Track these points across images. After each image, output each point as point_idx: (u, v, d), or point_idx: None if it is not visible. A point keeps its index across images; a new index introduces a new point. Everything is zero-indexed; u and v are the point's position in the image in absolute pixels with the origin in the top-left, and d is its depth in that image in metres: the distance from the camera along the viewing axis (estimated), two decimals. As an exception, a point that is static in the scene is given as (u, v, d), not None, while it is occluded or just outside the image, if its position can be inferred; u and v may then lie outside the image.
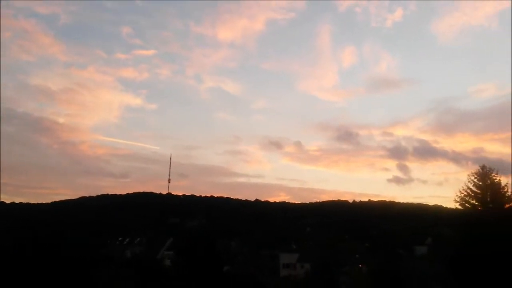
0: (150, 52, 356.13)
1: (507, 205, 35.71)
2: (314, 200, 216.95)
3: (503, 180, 36.43)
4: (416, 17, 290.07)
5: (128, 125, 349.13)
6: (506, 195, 36.02)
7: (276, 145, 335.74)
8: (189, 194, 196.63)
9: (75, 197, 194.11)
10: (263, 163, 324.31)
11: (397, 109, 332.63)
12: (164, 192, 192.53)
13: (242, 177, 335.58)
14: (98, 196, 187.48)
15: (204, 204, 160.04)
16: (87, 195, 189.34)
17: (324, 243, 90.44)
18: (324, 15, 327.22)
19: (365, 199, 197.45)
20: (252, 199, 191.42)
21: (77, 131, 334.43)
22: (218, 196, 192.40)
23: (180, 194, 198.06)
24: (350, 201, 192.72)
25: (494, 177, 36.40)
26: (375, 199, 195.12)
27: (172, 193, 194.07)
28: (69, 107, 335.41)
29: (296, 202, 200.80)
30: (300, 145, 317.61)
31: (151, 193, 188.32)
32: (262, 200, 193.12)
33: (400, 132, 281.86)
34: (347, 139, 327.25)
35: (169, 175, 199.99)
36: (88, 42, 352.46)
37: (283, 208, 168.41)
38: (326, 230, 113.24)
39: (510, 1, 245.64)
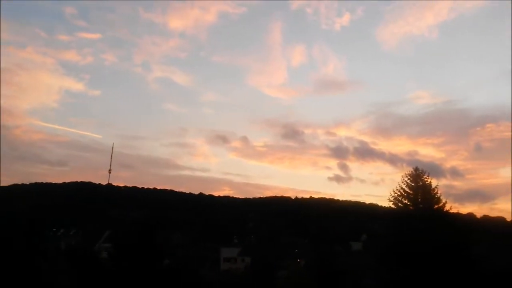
0: (95, 35, 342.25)
1: (436, 206, 38.28)
2: (258, 195, 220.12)
3: (434, 182, 39.07)
4: (363, 23, 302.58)
5: (68, 111, 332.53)
6: (436, 196, 38.63)
7: (223, 139, 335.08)
8: (131, 186, 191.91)
9: (6, 184, 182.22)
10: (209, 156, 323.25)
11: (341, 110, 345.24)
12: (104, 182, 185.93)
13: (187, 170, 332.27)
14: (31, 184, 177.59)
15: (146, 196, 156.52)
16: (20, 183, 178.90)
17: (266, 238, 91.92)
18: (276, 12, 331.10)
19: (307, 196, 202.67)
20: (196, 192, 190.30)
21: (12, 114, 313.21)
22: (162, 188, 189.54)
23: (122, 185, 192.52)
24: (293, 197, 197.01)
25: (425, 179, 38.87)
26: (316, 196, 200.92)
27: (113, 184, 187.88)
28: (4, 88, 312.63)
29: (240, 197, 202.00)
30: (247, 140, 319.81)
31: (89, 183, 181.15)
32: (206, 194, 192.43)
33: (343, 132, 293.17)
34: (292, 136, 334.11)
35: (110, 165, 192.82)
36: (28, 20, 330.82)
37: (227, 203, 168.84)
38: (269, 225, 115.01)
39: (448, 15, 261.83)
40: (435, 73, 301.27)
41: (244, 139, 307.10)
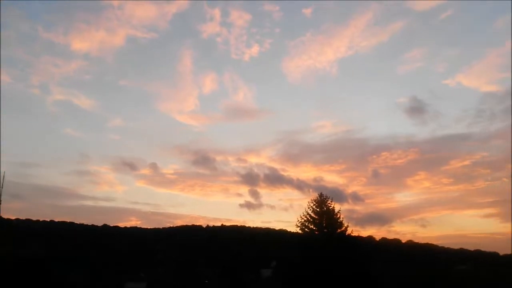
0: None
1: (339, 230, 40.26)
2: (167, 225, 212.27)
3: (337, 207, 41.27)
4: (270, 55, 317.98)
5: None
6: (339, 221, 40.70)
7: (130, 166, 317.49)
8: (24, 218, 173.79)
9: None
10: (114, 185, 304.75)
11: (252, 137, 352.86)
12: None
13: (89, 200, 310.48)
14: None
15: (42, 230, 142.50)
16: None
17: (175, 270, 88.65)
18: (186, 40, 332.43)
19: (218, 224, 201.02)
20: (100, 224, 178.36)
21: None
22: (60, 220, 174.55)
23: (13, 218, 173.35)
24: (204, 226, 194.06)
25: (329, 204, 40.91)
26: (227, 224, 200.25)
27: (3, 217, 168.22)
28: None
29: (149, 227, 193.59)
30: (156, 167, 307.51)
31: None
32: (111, 225, 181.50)
33: (253, 159, 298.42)
34: (203, 163, 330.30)
35: (0, 196, 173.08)
36: None
37: (134, 234, 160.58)
38: (178, 256, 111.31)
39: (346, 52, 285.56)
40: (336, 105, 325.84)
41: (153, 166, 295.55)
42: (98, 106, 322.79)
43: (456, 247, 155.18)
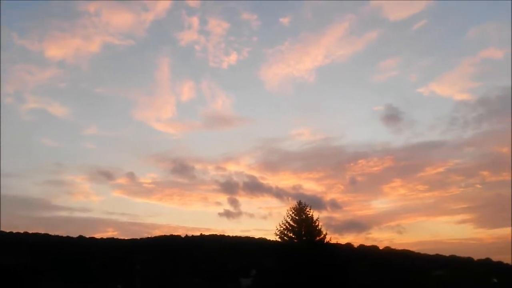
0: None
1: (317, 238, 40.60)
2: (145, 235, 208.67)
3: (316, 214, 41.63)
4: (248, 63, 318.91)
5: None
6: (317, 228, 41.06)
7: (106, 176, 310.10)
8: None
9: None
10: (90, 195, 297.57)
11: (230, 145, 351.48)
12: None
13: (64, 210, 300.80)
14: None
15: (14, 242, 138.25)
16: None
17: (154, 281, 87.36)
18: (164, 47, 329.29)
19: (198, 233, 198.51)
20: (75, 235, 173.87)
21: None
22: (34, 232, 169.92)
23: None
24: (183, 235, 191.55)
25: (308, 212, 41.25)
26: (206, 233, 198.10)
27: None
28: None
29: (126, 238, 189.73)
30: (133, 176, 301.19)
31: None
32: (87, 236, 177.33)
33: (232, 167, 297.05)
34: (182, 172, 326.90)
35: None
36: None
37: (111, 245, 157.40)
38: (157, 266, 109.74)
39: (323, 60, 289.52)
40: (314, 112, 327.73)
41: (131, 176, 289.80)
42: (73, 114, 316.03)
43: (432, 252, 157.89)
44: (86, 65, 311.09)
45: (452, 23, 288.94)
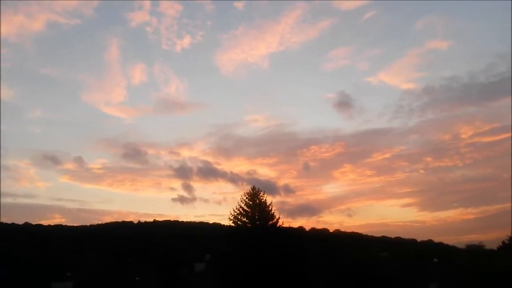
0: None
1: (270, 222, 41.39)
2: (95, 222, 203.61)
3: (269, 199, 42.38)
4: (202, 47, 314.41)
5: None
6: (270, 213, 41.85)
7: (53, 160, 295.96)
8: None
9: None
10: (36, 180, 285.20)
11: (184, 130, 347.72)
12: None
13: (8, 197, 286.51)
14: None
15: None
16: None
17: (105, 268, 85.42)
18: (114, 28, 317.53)
19: (151, 219, 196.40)
20: (21, 222, 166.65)
21: None
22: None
23: None
24: (135, 222, 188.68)
25: (261, 197, 41.88)
26: (160, 219, 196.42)
27: None
28: None
29: (75, 225, 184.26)
30: (82, 161, 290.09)
31: None
32: (33, 223, 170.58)
33: (186, 153, 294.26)
34: (134, 157, 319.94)
35: None
36: None
37: (59, 232, 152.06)
38: (108, 254, 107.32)
39: (277, 47, 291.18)
40: (268, 99, 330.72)
41: (79, 160, 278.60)
42: (16, 96, 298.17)
43: (379, 235, 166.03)
44: (30, 44, 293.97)
45: (400, 14, 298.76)
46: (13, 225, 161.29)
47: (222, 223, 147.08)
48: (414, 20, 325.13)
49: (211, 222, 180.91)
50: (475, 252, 60.22)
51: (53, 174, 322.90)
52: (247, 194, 41.61)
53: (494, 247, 66.22)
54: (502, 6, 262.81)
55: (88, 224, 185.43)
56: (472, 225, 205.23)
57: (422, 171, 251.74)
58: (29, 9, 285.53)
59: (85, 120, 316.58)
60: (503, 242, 65.26)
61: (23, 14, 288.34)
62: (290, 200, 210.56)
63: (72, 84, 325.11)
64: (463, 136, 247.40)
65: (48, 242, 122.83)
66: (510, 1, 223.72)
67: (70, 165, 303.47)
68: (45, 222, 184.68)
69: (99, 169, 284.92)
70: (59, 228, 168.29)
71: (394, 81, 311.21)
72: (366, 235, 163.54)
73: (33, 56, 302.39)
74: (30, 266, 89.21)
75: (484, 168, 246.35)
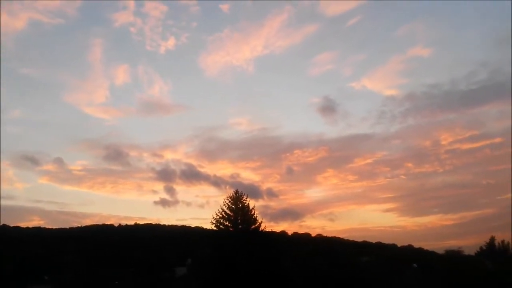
0: None
1: (253, 226, 41.52)
2: (75, 225, 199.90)
3: (252, 203, 42.52)
4: (187, 49, 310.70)
5: None
6: (253, 217, 41.99)
7: (32, 161, 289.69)
8: None
9: None
10: (14, 182, 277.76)
11: (167, 133, 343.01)
12: None
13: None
14: None
15: None
16: None
17: (84, 272, 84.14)
18: (97, 28, 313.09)
19: (132, 222, 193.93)
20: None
21: None
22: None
23: None
24: (116, 225, 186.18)
25: (244, 201, 42.02)
26: (141, 222, 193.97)
27: None
28: None
29: (54, 228, 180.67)
30: (62, 163, 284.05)
31: None
32: (11, 225, 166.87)
33: (169, 155, 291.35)
34: (115, 159, 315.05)
35: None
36: None
37: (37, 234, 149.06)
38: (88, 257, 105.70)
39: (262, 51, 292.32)
40: (252, 102, 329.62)
41: (59, 162, 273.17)
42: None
43: (360, 239, 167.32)
44: (11, 43, 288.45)
45: (383, 21, 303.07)
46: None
47: (205, 227, 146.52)
48: (397, 27, 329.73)
49: (193, 225, 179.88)
50: (454, 257, 61.43)
51: (32, 175, 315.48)
52: (230, 197, 41.74)
53: (472, 252, 67.72)
54: (483, 14, 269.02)
55: (67, 227, 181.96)
56: (451, 231, 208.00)
57: (403, 176, 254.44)
58: (11, 7, 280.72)
59: (66, 121, 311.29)
60: (481, 248, 66.81)
61: (4, 12, 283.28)
62: (273, 204, 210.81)
63: (53, 84, 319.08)
64: (443, 142, 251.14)
65: (26, 245, 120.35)
66: (491, 10, 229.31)
67: (50, 166, 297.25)
68: (23, 224, 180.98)
69: (79, 170, 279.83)
70: (37, 230, 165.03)
71: (377, 87, 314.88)
72: (348, 240, 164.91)
73: (13, 56, 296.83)
74: (7, 269, 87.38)
75: (463, 175, 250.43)
